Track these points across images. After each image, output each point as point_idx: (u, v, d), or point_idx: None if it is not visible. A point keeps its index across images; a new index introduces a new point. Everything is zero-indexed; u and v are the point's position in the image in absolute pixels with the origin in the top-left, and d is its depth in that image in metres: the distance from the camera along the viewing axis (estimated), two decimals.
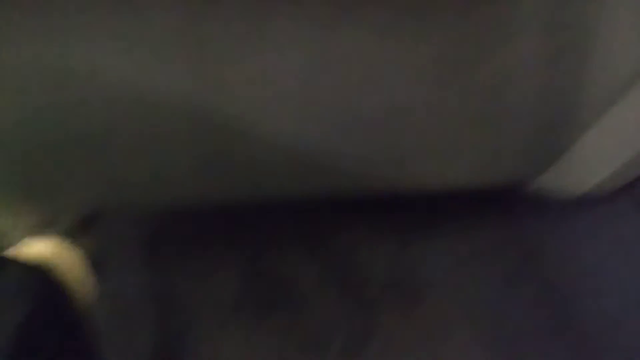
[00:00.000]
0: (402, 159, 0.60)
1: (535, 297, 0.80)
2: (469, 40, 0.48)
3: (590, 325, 0.76)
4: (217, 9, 0.42)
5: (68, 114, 0.48)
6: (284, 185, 0.63)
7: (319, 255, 0.87)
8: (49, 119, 0.48)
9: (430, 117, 0.54)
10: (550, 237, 0.84)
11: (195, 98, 0.48)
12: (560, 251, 0.83)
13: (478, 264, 0.84)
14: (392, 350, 0.78)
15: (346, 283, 0.84)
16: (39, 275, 0.53)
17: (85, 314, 0.56)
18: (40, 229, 0.61)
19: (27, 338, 0.43)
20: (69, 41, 0.42)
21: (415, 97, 0.52)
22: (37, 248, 0.58)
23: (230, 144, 0.54)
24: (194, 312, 0.82)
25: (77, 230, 0.66)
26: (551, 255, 0.83)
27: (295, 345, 0.79)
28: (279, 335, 0.80)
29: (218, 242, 0.89)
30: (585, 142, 0.62)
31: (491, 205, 0.88)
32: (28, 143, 0.50)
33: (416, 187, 0.67)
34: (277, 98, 0.50)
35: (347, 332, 0.80)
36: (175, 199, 0.63)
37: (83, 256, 0.60)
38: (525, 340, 0.77)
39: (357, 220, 0.91)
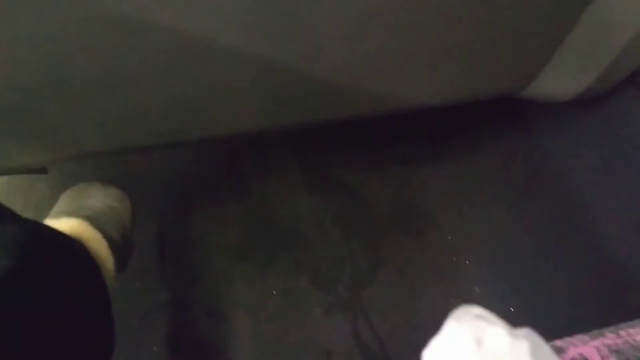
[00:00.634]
0: (395, 69, 0.58)
1: (544, 215, 0.78)
2: None
3: (599, 241, 0.74)
4: None
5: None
6: (285, 111, 0.61)
7: (321, 194, 0.86)
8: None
9: (420, 21, 0.51)
10: (557, 146, 0.81)
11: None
12: (568, 159, 0.80)
13: (483, 186, 0.82)
14: (400, 281, 0.78)
15: (349, 222, 0.83)
16: (72, 241, 0.56)
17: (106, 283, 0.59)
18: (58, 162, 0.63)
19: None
20: None
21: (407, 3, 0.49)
22: (66, 225, 0.60)
23: (228, 69, 0.52)
24: (206, 258, 0.82)
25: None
26: (559, 165, 0.80)
27: (305, 283, 0.79)
28: (289, 275, 0.80)
29: (224, 188, 0.89)
30: (577, 34, 0.58)
31: (494, 123, 0.86)
32: (53, 74, 0.49)
33: (410, 102, 0.64)
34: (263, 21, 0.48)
35: (354, 268, 0.80)
36: (185, 133, 0.62)
37: (105, 237, 0.62)
38: (534, 263, 0.75)
39: (359, 156, 0.89)
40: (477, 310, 0.28)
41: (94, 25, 0.45)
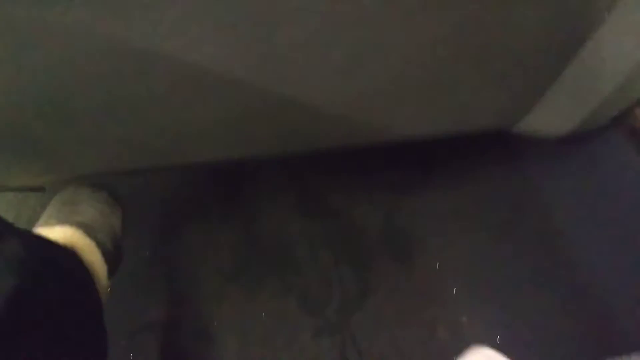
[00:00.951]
0: (388, 104, 0.59)
1: (529, 245, 0.80)
2: None
3: (582, 274, 0.76)
4: None
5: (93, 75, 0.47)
6: (279, 140, 0.62)
7: (312, 218, 0.87)
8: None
9: (414, 57, 0.53)
10: (543, 180, 0.83)
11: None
12: (554, 193, 0.82)
13: (471, 215, 0.83)
14: (388, 307, 0.79)
15: (340, 246, 0.84)
16: (67, 252, 0.55)
17: (100, 293, 0.59)
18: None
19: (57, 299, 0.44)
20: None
21: (399, 36, 0.50)
22: (59, 234, 0.59)
23: (226, 99, 0.53)
24: (196, 279, 0.82)
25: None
26: (545, 198, 0.82)
27: (294, 307, 0.79)
28: (278, 298, 0.80)
29: (216, 209, 0.89)
30: (568, 75, 0.60)
31: (483, 153, 0.88)
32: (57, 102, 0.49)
33: (403, 134, 0.66)
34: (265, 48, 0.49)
35: (343, 292, 0.80)
36: (178, 158, 0.62)
37: (98, 246, 0.62)
38: (520, 292, 0.77)
39: (350, 181, 0.90)
40: (488, 351, 0.29)
41: (97, 55, 0.46)
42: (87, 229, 0.61)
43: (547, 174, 0.84)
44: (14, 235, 0.46)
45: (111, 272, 0.65)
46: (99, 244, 0.62)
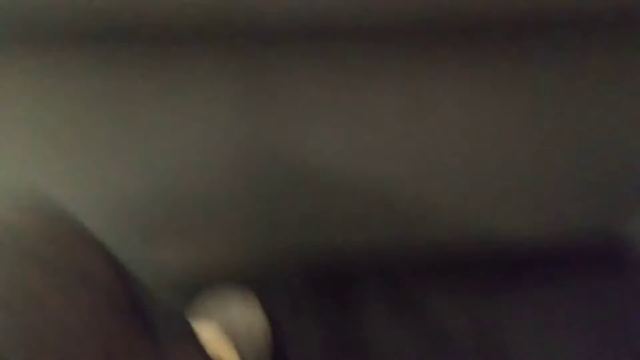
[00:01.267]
0: (493, 206, 0.61)
1: None
2: (559, 91, 0.49)
3: None
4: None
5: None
6: (377, 238, 0.64)
7: (398, 317, 0.86)
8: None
9: (520, 164, 0.55)
10: None
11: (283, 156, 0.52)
12: None
13: (566, 325, 0.80)
14: None
15: (425, 347, 0.82)
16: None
17: None
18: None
19: None
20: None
21: (508, 144, 0.53)
22: (206, 335, 0.60)
23: (320, 197, 0.57)
24: None
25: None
26: None
27: None
28: None
29: (305, 301, 0.90)
30: None
31: (582, 259, 0.85)
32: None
33: (503, 237, 0.66)
34: (367, 149, 0.53)
35: None
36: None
37: (240, 355, 0.62)
38: None
39: (441, 279, 0.89)
40: None
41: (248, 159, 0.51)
42: (235, 337, 0.62)
43: None
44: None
45: None
46: (242, 355, 0.61)
